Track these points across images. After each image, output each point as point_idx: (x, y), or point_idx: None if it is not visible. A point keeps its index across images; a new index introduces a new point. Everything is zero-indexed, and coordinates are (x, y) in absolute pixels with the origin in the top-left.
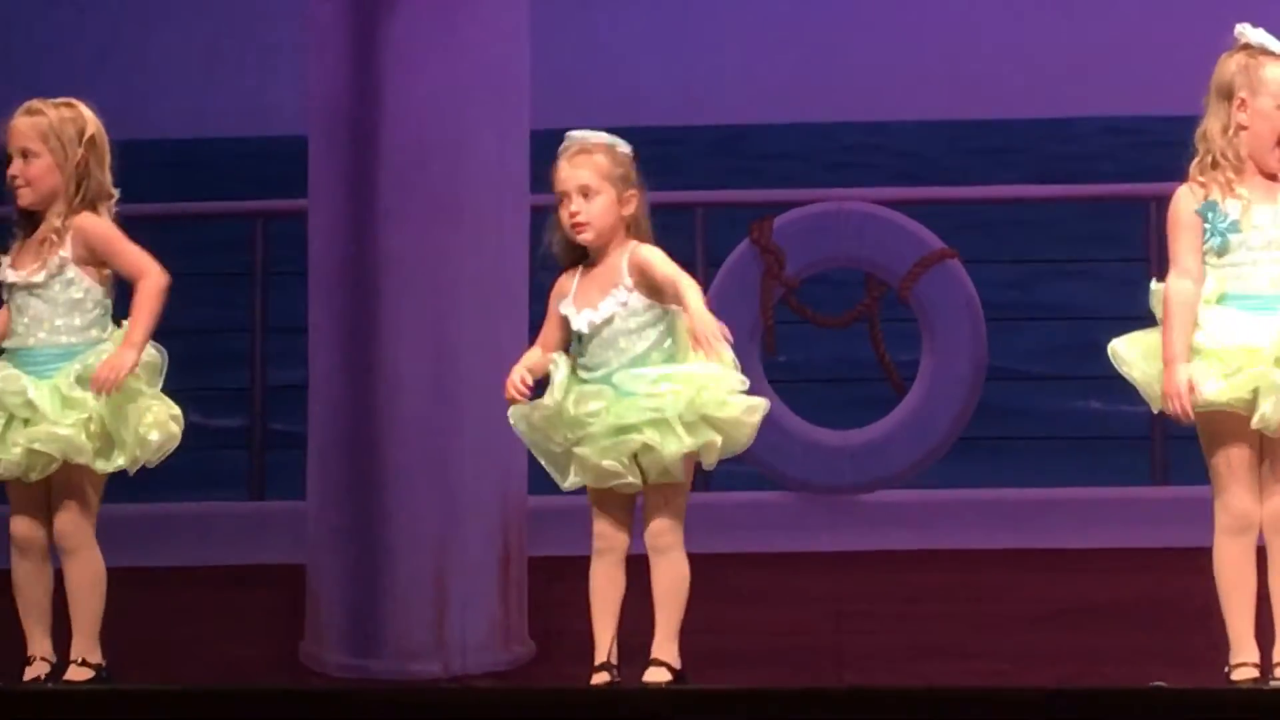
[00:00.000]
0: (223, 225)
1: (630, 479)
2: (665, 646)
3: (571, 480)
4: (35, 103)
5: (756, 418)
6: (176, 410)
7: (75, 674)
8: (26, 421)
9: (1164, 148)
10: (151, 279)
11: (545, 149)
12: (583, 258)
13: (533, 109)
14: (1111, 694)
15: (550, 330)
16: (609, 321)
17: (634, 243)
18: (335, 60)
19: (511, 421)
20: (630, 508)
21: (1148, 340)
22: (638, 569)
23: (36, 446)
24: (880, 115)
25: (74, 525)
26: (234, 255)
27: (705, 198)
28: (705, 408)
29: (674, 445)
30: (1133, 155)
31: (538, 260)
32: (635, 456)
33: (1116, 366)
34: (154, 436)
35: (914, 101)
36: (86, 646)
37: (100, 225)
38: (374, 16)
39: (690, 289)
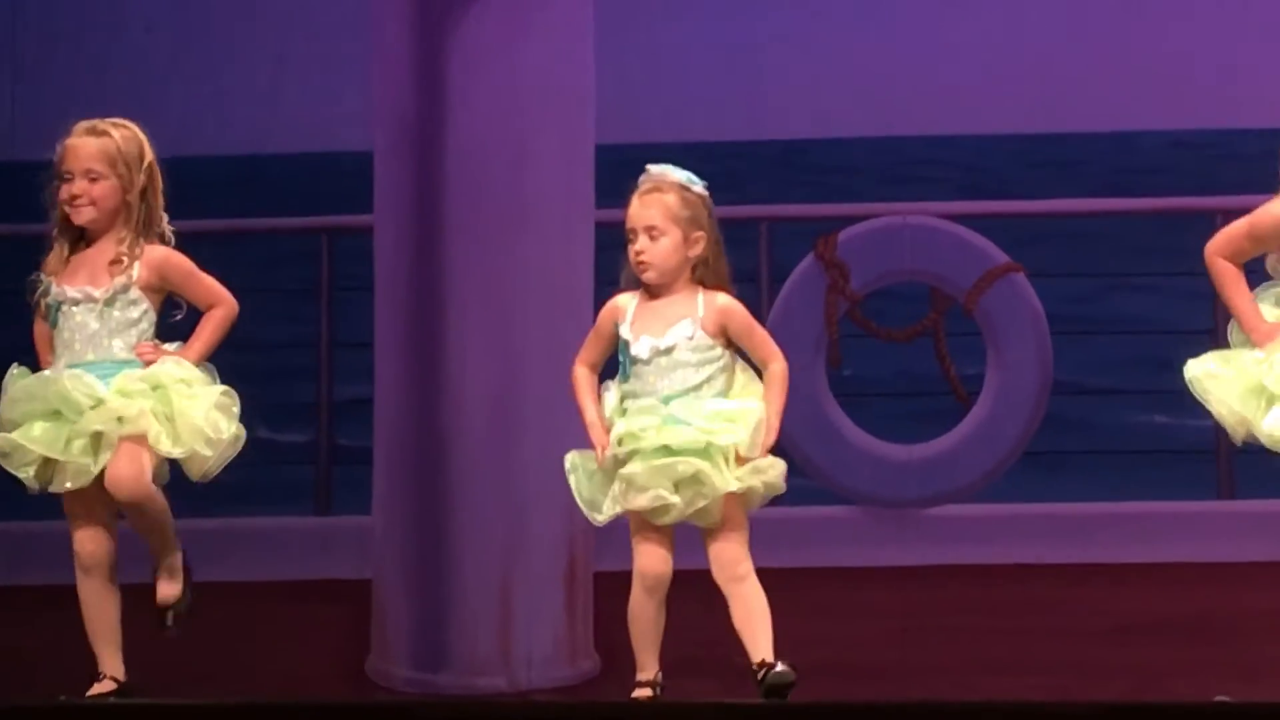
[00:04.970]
0: (289, 240)
1: (674, 502)
2: (770, 656)
3: (608, 512)
4: (99, 123)
5: (778, 469)
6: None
7: (165, 589)
8: None
9: (1228, 161)
10: (224, 308)
11: (610, 163)
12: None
13: (597, 123)
14: (1175, 709)
15: (598, 345)
16: (670, 350)
17: (719, 294)
18: (401, 75)
19: (567, 466)
20: (672, 539)
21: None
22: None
23: (98, 427)
24: (944, 129)
25: (134, 479)
26: (300, 270)
27: (769, 212)
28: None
29: (721, 481)
30: (1197, 169)
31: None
32: (678, 488)
33: (1200, 398)
34: (222, 424)
35: (978, 115)
36: (172, 560)
37: (177, 259)
38: (439, 31)
39: (779, 390)
